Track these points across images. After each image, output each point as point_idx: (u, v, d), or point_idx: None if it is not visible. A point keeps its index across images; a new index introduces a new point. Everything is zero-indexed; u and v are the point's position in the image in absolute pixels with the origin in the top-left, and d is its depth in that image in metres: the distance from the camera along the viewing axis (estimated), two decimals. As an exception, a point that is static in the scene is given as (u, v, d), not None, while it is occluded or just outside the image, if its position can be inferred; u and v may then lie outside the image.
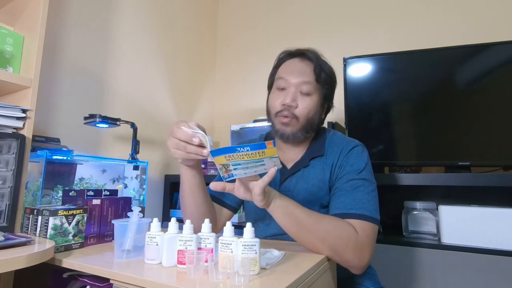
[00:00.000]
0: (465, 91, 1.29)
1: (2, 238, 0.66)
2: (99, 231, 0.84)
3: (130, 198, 0.93)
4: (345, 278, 0.86)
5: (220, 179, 0.70)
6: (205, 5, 2.26)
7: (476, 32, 1.53)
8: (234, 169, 0.63)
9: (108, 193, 0.91)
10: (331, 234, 0.72)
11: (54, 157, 1.00)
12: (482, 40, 1.31)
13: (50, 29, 1.25)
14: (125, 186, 1.25)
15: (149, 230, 0.67)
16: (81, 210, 0.78)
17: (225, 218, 0.97)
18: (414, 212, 1.24)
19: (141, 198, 1.29)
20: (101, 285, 0.65)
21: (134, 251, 0.69)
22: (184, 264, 0.61)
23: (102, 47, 1.50)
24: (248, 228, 0.60)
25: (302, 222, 0.72)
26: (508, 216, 1.05)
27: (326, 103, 0.94)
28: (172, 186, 1.76)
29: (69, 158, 1.06)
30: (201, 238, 0.64)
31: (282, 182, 0.92)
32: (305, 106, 0.87)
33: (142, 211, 0.83)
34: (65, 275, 0.71)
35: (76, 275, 0.70)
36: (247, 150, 0.59)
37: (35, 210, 0.76)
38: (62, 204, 0.86)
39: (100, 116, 1.24)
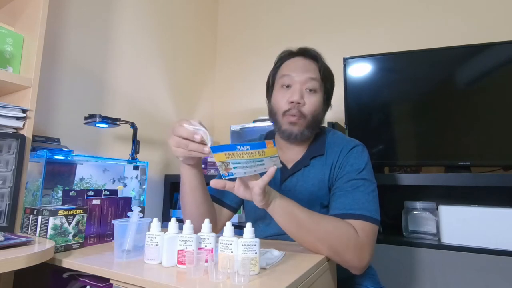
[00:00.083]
0: (465, 91, 1.29)
1: (2, 238, 0.66)
2: (99, 231, 0.84)
3: (130, 198, 0.93)
4: (345, 278, 0.86)
5: (221, 177, 0.70)
6: (205, 5, 2.26)
7: (476, 32, 1.53)
8: (234, 167, 0.63)
9: (108, 193, 0.91)
10: (331, 235, 0.72)
11: (54, 157, 1.00)
12: (482, 40, 1.31)
13: (50, 29, 1.25)
14: (125, 185, 1.25)
15: (149, 230, 0.67)
16: (81, 210, 0.78)
17: (225, 218, 0.97)
18: (414, 212, 1.24)
19: (141, 198, 1.29)
20: (101, 285, 0.65)
21: (134, 251, 0.69)
22: (184, 264, 0.61)
23: (102, 47, 1.50)
24: (248, 228, 0.60)
25: (302, 222, 0.72)
26: (508, 216, 1.05)
27: (327, 101, 0.94)
28: (172, 186, 1.76)
29: (69, 158, 1.06)
30: (201, 238, 0.64)
31: (282, 181, 0.92)
32: (312, 103, 0.87)
33: (142, 211, 0.83)
34: (65, 275, 0.71)
35: (76, 275, 0.70)
36: (247, 149, 0.59)
37: (35, 210, 0.76)
38: (62, 204, 0.86)
39: (100, 116, 1.24)
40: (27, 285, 0.84)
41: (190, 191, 0.82)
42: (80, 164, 1.11)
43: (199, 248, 0.63)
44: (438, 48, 1.36)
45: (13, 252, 0.62)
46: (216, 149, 0.61)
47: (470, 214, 1.10)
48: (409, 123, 1.38)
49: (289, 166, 0.93)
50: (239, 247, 0.58)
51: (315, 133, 0.94)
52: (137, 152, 1.44)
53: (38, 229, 0.75)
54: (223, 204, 0.97)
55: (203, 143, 0.68)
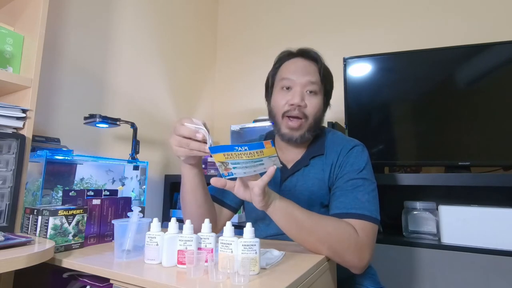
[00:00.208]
0: (465, 91, 1.29)
1: (2, 238, 0.66)
2: (99, 231, 0.84)
3: (130, 198, 0.93)
4: (345, 278, 0.86)
5: (221, 176, 0.70)
6: (205, 5, 2.26)
7: (476, 32, 1.53)
8: (234, 167, 0.63)
9: (108, 193, 0.91)
10: (331, 235, 0.72)
11: (54, 157, 1.00)
12: (482, 40, 1.31)
13: (50, 29, 1.25)
14: (123, 184, 1.25)
15: (149, 230, 0.67)
16: (81, 210, 0.78)
17: (225, 218, 0.97)
18: (414, 212, 1.24)
19: (141, 198, 1.29)
20: (101, 285, 0.65)
21: (134, 251, 0.69)
22: (184, 264, 0.61)
23: (102, 47, 1.50)
24: (248, 228, 0.60)
25: (302, 223, 0.72)
26: (508, 216, 1.05)
27: (327, 102, 0.94)
28: (172, 186, 1.76)
29: (69, 158, 1.06)
30: (201, 238, 0.64)
31: (282, 181, 0.92)
32: (313, 105, 0.87)
33: (142, 211, 0.83)
34: (65, 275, 0.71)
35: (76, 275, 0.70)
36: (245, 150, 0.59)
37: (35, 210, 0.76)
38: (62, 204, 0.86)
39: (100, 116, 1.24)
40: (27, 285, 0.84)
41: (190, 190, 0.82)
42: (80, 164, 1.11)
43: (199, 248, 0.63)
44: (438, 48, 1.36)
45: (13, 252, 0.62)
46: (214, 149, 0.61)
47: (470, 214, 1.10)
48: (409, 123, 1.38)
49: (289, 166, 0.93)
50: (239, 247, 0.58)
51: (316, 133, 0.94)
52: (137, 152, 1.44)
53: (38, 229, 0.75)
54: (224, 204, 0.97)
55: (204, 142, 0.68)
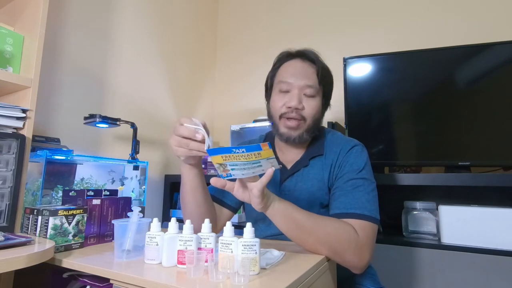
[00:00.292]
0: (465, 91, 1.29)
1: (2, 238, 0.66)
2: (99, 231, 0.84)
3: (130, 198, 0.93)
4: (345, 278, 0.86)
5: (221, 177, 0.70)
6: (205, 5, 2.26)
7: (476, 32, 1.53)
8: (232, 169, 0.63)
9: (108, 193, 0.91)
10: (331, 236, 0.72)
11: (54, 157, 1.00)
12: (482, 40, 1.31)
13: (50, 29, 1.25)
14: (122, 184, 1.25)
15: (149, 230, 0.67)
16: (81, 210, 0.78)
17: (225, 218, 0.97)
18: (414, 212, 1.24)
19: (142, 198, 1.29)
20: (101, 285, 0.65)
21: (134, 251, 0.69)
22: (184, 264, 0.61)
23: (102, 47, 1.50)
24: (248, 228, 0.60)
25: (302, 225, 0.72)
26: (508, 216, 1.05)
27: (326, 103, 0.94)
28: (172, 186, 1.76)
29: (69, 158, 1.06)
30: (201, 238, 0.64)
31: (282, 182, 0.92)
32: (312, 107, 0.87)
33: (142, 211, 0.83)
34: (65, 275, 0.71)
35: (76, 275, 0.70)
36: (243, 152, 0.59)
37: (35, 210, 0.76)
38: (62, 204, 0.86)
39: (100, 116, 1.24)
40: (27, 285, 0.84)
41: (190, 190, 0.82)
42: (80, 164, 1.11)
43: (199, 248, 0.63)
44: (438, 48, 1.36)
45: (13, 252, 0.62)
46: (212, 151, 0.61)
47: (470, 214, 1.10)
48: (409, 123, 1.38)
49: (289, 166, 0.93)
50: (239, 247, 0.58)
51: (315, 134, 0.94)
52: (137, 152, 1.44)
53: (38, 229, 0.75)
54: (223, 204, 0.97)
55: (204, 142, 0.68)
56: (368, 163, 0.86)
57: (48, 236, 0.72)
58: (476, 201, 1.22)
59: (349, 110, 1.47)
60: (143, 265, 0.64)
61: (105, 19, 1.53)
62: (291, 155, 0.94)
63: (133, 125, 1.43)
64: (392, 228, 1.34)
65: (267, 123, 1.70)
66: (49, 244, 0.68)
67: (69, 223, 0.76)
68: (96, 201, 0.84)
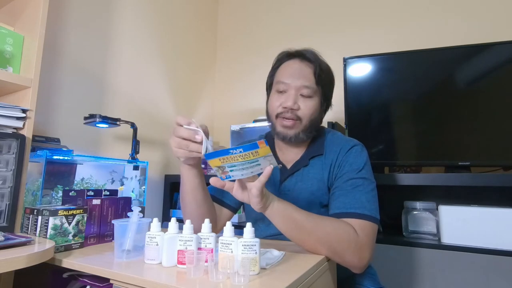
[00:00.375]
0: (465, 91, 1.29)
1: (2, 238, 0.66)
2: (99, 231, 0.84)
3: (130, 198, 0.93)
4: (345, 278, 0.86)
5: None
6: (205, 5, 2.26)
7: (476, 32, 1.53)
8: (231, 170, 0.63)
9: (108, 193, 0.91)
10: (330, 236, 0.72)
11: (54, 157, 1.00)
12: (482, 40, 1.31)
13: (50, 29, 1.25)
14: (122, 184, 1.25)
15: (149, 230, 0.67)
16: (81, 210, 0.78)
17: (225, 218, 0.97)
18: (414, 212, 1.24)
19: (142, 198, 1.29)
20: (101, 285, 0.65)
21: (134, 251, 0.69)
22: (184, 264, 0.61)
23: (102, 47, 1.50)
24: (248, 228, 0.60)
25: (301, 225, 0.72)
26: (508, 216, 1.05)
27: (325, 102, 0.93)
28: (172, 186, 1.76)
29: (69, 158, 1.06)
30: (201, 238, 0.64)
31: (282, 181, 0.92)
32: (308, 107, 0.87)
33: (142, 211, 0.83)
34: (65, 275, 0.71)
35: (76, 275, 0.70)
36: (240, 152, 0.59)
37: (35, 210, 0.76)
38: (62, 204, 0.86)
39: (100, 116, 1.24)
40: (27, 285, 0.84)
41: (190, 191, 0.82)
42: (80, 164, 1.11)
43: (199, 248, 0.63)
44: (438, 48, 1.36)
45: (13, 252, 0.62)
46: (210, 155, 0.61)
47: (470, 214, 1.10)
48: (409, 123, 1.38)
49: (289, 166, 0.93)
50: (239, 247, 0.58)
51: (313, 134, 0.94)
52: (137, 152, 1.44)
53: (38, 229, 0.75)
54: (223, 204, 0.97)
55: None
56: (368, 163, 0.86)
57: (48, 236, 0.72)
58: (476, 201, 1.22)
59: (349, 110, 1.47)
60: (143, 265, 0.64)
61: (105, 19, 1.53)
62: (291, 155, 0.94)
63: (133, 125, 1.43)
64: (392, 228, 1.34)
65: (267, 123, 1.70)
66: (49, 244, 0.68)
67: (69, 223, 0.76)
68: (96, 201, 0.84)
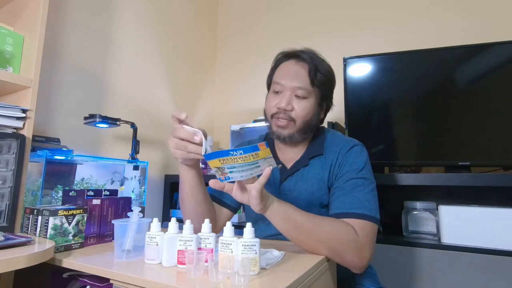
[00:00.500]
0: (465, 91, 1.29)
1: (2, 238, 0.66)
2: (99, 231, 0.84)
3: (130, 198, 0.93)
4: (345, 278, 0.87)
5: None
6: (205, 5, 2.26)
7: (476, 32, 1.53)
8: (230, 172, 0.63)
9: (108, 193, 0.91)
10: (330, 237, 0.72)
11: (54, 157, 1.00)
12: (482, 40, 1.31)
13: (50, 29, 1.25)
14: (121, 184, 1.25)
15: (149, 230, 0.67)
16: (81, 210, 0.78)
17: (225, 218, 0.97)
18: (414, 212, 1.24)
19: (142, 198, 1.29)
20: (101, 285, 0.65)
21: (134, 251, 0.69)
22: (184, 264, 0.61)
23: (102, 47, 1.50)
24: (248, 228, 0.60)
25: (301, 226, 0.72)
26: (508, 216, 1.05)
27: (324, 103, 0.93)
28: (172, 186, 1.76)
29: (69, 158, 1.06)
30: (201, 238, 0.64)
31: (282, 181, 0.92)
32: (302, 108, 0.87)
33: (142, 211, 0.83)
34: (65, 275, 0.71)
35: (76, 275, 0.70)
36: (240, 154, 0.59)
37: (35, 210, 0.76)
38: (62, 204, 0.86)
39: (100, 116, 1.24)
40: (27, 285, 0.84)
41: (189, 191, 0.82)
42: (80, 164, 1.11)
43: (199, 248, 0.63)
44: (438, 48, 1.36)
45: (13, 252, 0.62)
46: (209, 156, 0.61)
47: (470, 214, 1.10)
48: (409, 123, 1.38)
49: (288, 166, 0.93)
50: (239, 247, 0.58)
51: (313, 134, 0.94)
52: (137, 152, 1.44)
53: (38, 229, 0.75)
54: (223, 203, 0.97)
55: (202, 144, 0.68)
56: (368, 163, 0.86)
57: (48, 236, 0.72)
58: (476, 201, 1.22)
59: (349, 110, 1.47)
60: (143, 265, 0.64)
61: (105, 19, 1.53)
62: (290, 155, 0.94)
63: (133, 125, 1.43)
64: (392, 228, 1.34)
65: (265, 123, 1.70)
66: (49, 244, 0.68)
67: (69, 223, 0.76)
68: (96, 201, 0.84)
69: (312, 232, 0.72)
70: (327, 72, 0.91)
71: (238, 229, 0.92)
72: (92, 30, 1.46)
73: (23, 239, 0.68)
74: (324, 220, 0.75)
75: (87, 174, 1.12)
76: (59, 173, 1.03)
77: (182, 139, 0.69)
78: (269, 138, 1.03)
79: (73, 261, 0.66)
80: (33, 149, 0.97)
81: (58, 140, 1.15)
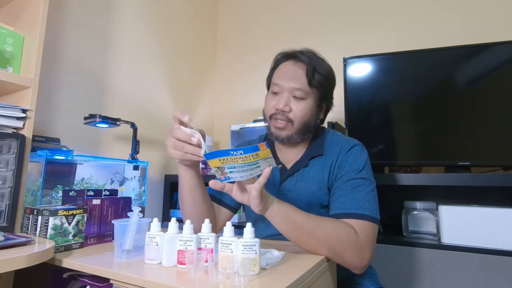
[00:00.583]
0: (465, 91, 1.29)
1: (2, 238, 0.66)
2: (99, 231, 0.84)
3: (130, 198, 0.93)
4: (345, 278, 0.87)
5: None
6: (205, 5, 2.26)
7: (476, 32, 1.53)
8: (230, 172, 0.63)
9: (108, 193, 0.91)
10: (331, 237, 0.72)
11: (54, 157, 1.00)
12: (482, 40, 1.31)
13: (50, 29, 1.25)
14: (120, 184, 1.25)
15: (149, 230, 0.67)
16: (81, 210, 0.78)
17: (224, 218, 0.97)
18: (414, 212, 1.24)
19: (140, 200, 1.29)
20: (101, 285, 0.65)
21: (134, 251, 0.69)
22: (184, 264, 0.61)
23: (102, 47, 1.50)
24: (248, 228, 0.60)
25: (301, 226, 0.72)
26: (508, 216, 1.05)
27: (324, 103, 0.93)
28: (172, 186, 1.76)
29: (69, 158, 1.06)
30: (201, 238, 0.64)
31: (282, 182, 0.92)
32: (300, 109, 0.87)
33: (142, 211, 0.83)
34: (65, 275, 0.71)
35: (76, 275, 0.70)
36: (240, 154, 0.59)
37: (35, 210, 0.76)
38: (62, 204, 0.86)
39: (100, 116, 1.24)
40: (27, 285, 0.84)
41: (188, 191, 0.82)
42: (80, 164, 1.11)
43: (199, 248, 0.63)
44: (438, 48, 1.36)
45: (13, 252, 0.62)
46: (210, 155, 0.61)
47: (470, 214, 1.10)
48: (409, 123, 1.38)
49: (288, 166, 0.93)
50: (239, 247, 0.58)
51: (313, 134, 0.94)
52: (137, 152, 1.44)
53: (38, 229, 0.75)
54: (222, 203, 0.97)
55: (199, 146, 0.68)
56: (368, 163, 0.86)
57: (48, 236, 0.72)
58: (476, 201, 1.22)
59: (349, 110, 1.47)
60: (143, 265, 0.64)
61: (105, 19, 1.53)
62: (290, 155, 0.94)
63: (133, 125, 1.43)
64: (392, 228, 1.34)
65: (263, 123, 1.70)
66: (49, 244, 0.68)
67: (69, 223, 0.76)
68: (96, 201, 0.84)
69: (312, 233, 0.72)
70: (326, 72, 0.90)
71: (238, 229, 0.92)
72: (92, 30, 1.46)
73: (23, 239, 0.68)
74: (324, 220, 0.75)
75: (87, 174, 1.12)
76: (59, 173, 1.03)
77: (180, 140, 0.70)
78: (269, 139, 1.03)
79: (73, 261, 0.66)
80: (33, 149, 0.97)
81: (58, 140, 1.15)
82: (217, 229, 0.93)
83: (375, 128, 1.43)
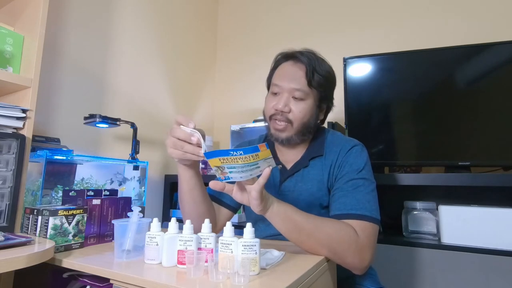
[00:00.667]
0: (465, 91, 1.29)
1: (2, 238, 0.66)
2: (99, 231, 0.84)
3: (130, 198, 0.93)
4: (345, 278, 0.86)
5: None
6: (205, 5, 2.26)
7: (476, 32, 1.53)
8: (230, 171, 0.63)
9: (108, 193, 0.91)
10: (331, 238, 0.72)
11: (54, 157, 1.00)
12: (482, 40, 1.31)
13: (50, 29, 1.25)
14: (120, 184, 1.25)
15: (149, 230, 0.67)
16: (81, 210, 0.78)
17: (224, 218, 0.97)
18: (414, 212, 1.24)
19: (140, 200, 1.29)
20: (101, 285, 0.65)
21: (134, 251, 0.69)
22: (184, 264, 0.61)
23: (102, 47, 1.50)
24: (248, 228, 0.60)
25: (302, 227, 0.72)
26: (508, 216, 1.05)
27: (324, 104, 0.93)
28: (172, 186, 1.76)
29: (69, 158, 1.06)
30: (201, 238, 0.64)
31: (282, 182, 0.92)
32: (299, 110, 0.87)
33: (142, 211, 0.83)
34: (65, 275, 0.71)
35: (76, 275, 0.70)
36: (240, 154, 0.59)
37: (35, 210, 0.76)
38: (62, 204, 0.86)
39: (100, 116, 1.24)
40: (27, 285, 0.84)
41: (188, 191, 0.82)
42: (80, 164, 1.11)
43: (199, 248, 0.63)
44: (438, 48, 1.36)
45: (13, 252, 0.62)
46: (210, 154, 0.61)
47: (470, 214, 1.10)
48: (409, 123, 1.38)
49: (288, 166, 0.93)
50: (239, 247, 0.58)
51: (313, 134, 0.94)
52: (137, 152, 1.44)
53: (38, 229, 0.75)
54: (222, 203, 0.97)
55: (199, 145, 0.68)
56: (368, 163, 0.86)
57: (48, 236, 0.72)
58: (476, 201, 1.22)
59: (349, 110, 1.47)
60: (143, 265, 0.64)
61: (105, 19, 1.53)
62: (290, 156, 0.94)
63: (133, 125, 1.43)
64: (392, 228, 1.34)
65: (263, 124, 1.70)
66: (49, 244, 0.68)
67: (69, 223, 0.76)
68: (96, 201, 0.84)
69: (312, 233, 0.72)
70: (326, 72, 0.90)
71: (238, 229, 0.92)
72: (92, 30, 1.46)
73: (23, 239, 0.68)
74: (324, 221, 0.75)
75: (87, 174, 1.12)
76: (59, 173, 1.03)
77: (179, 139, 0.70)
78: (269, 139, 1.03)
79: (73, 261, 0.66)
80: (33, 149, 0.97)
81: (58, 140, 1.15)
82: (217, 229, 0.93)
83: (375, 128, 1.43)
